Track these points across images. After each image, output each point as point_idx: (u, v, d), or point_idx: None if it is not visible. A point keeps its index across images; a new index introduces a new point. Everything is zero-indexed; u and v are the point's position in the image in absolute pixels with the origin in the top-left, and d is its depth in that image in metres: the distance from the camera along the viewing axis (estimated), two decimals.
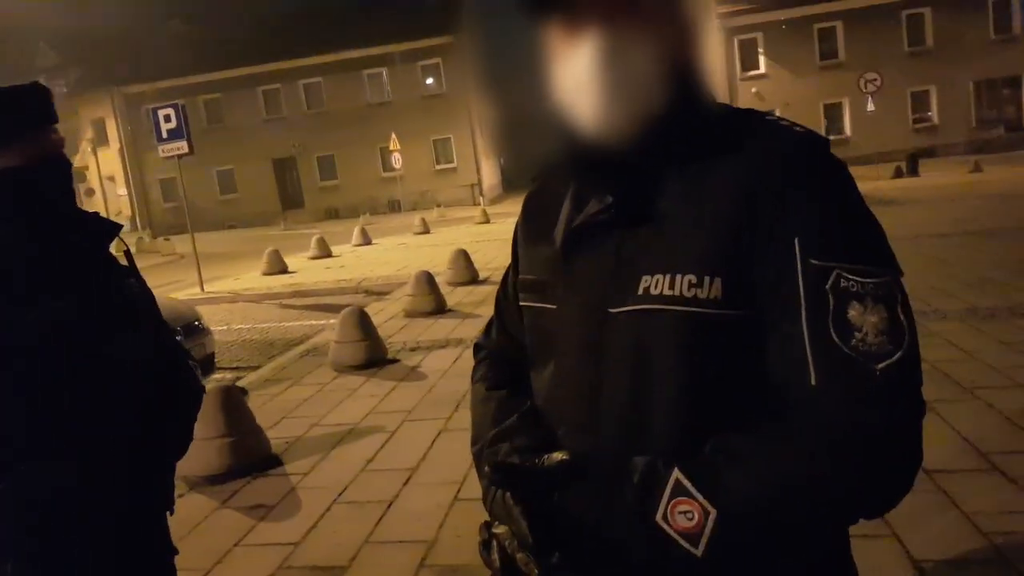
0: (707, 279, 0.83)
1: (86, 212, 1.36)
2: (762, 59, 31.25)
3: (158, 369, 1.35)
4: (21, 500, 1.16)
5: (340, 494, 3.71)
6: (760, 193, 0.84)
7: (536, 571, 0.84)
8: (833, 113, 30.03)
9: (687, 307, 0.84)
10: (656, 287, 0.86)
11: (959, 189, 16.71)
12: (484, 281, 10.08)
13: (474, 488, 3.51)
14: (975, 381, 4.29)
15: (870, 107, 23.85)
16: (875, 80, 23.46)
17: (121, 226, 1.37)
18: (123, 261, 1.39)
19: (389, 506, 3.52)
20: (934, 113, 30.83)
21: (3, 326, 1.14)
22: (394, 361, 6.32)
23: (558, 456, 0.88)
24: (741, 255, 0.83)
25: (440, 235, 18.73)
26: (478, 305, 8.46)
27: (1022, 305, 5.96)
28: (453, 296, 9.10)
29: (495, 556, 0.88)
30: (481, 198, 29.80)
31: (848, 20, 30.37)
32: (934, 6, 29.78)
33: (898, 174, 21.70)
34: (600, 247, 0.92)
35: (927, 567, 2.56)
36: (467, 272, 10.25)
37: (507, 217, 21.46)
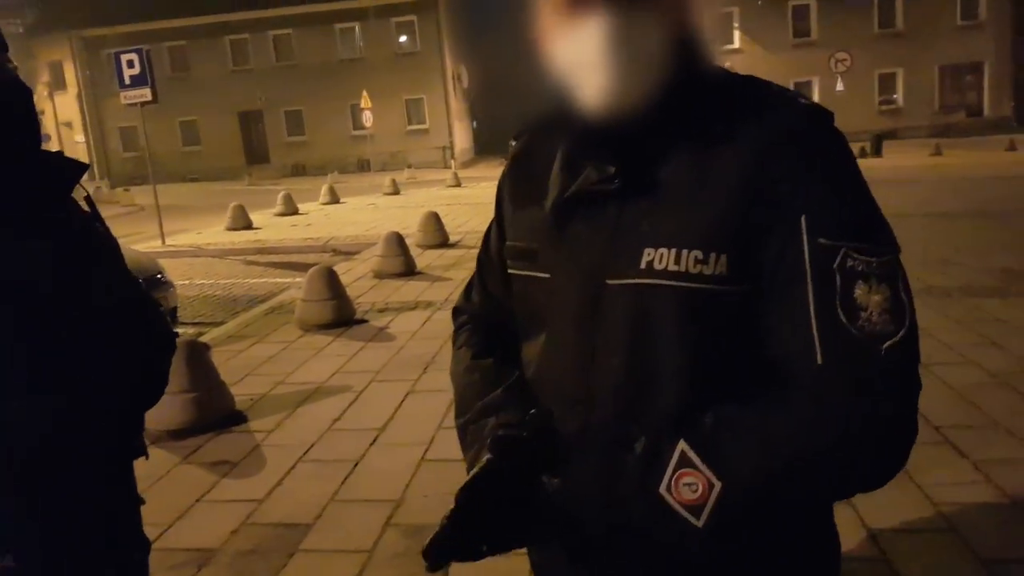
0: (713, 255, 0.82)
1: (49, 151, 1.29)
2: (736, 34, 31.28)
3: (130, 313, 1.30)
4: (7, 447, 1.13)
5: (305, 452, 3.69)
6: (767, 168, 0.82)
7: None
8: (803, 91, 29.91)
9: (692, 283, 0.83)
10: (660, 261, 0.84)
11: (920, 171, 17.06)
12: (455, 244, 10.01)
13: (442, 449, 3.55)
14: (930, 357, 4.40)
15: (839, 87, 24.12)
16: (845, 60, 23.73)
17: (88, 166, 1.30)
18: (84, 206, 1.33)
19: (355, 465, 3.51)
20: (900, 96, 31.33)
21: None
22: (362, 321, 6.27)
23: (532, 412, 0.87)
24: (748, 231, 0.82)
25: (410, 197, 18.51)
26: (448, 268, 8.41)
27: (976, 285, 6.16)
28: (423, 259, 9.03)
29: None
30: (452, 161, 29.49)
31: None
32: None
33: (862, 154, 22.03)
34: (597, 216, 0.90)
35: (881, 535, 2.66)
36: (438, 235, 10.17)
37: (479, 181, 21.31)
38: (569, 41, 0.85)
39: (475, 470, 0.86)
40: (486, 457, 0.86)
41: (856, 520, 2.73)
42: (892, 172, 16.90)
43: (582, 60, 0.84)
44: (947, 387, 3.99)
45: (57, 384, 1.16)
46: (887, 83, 31.23)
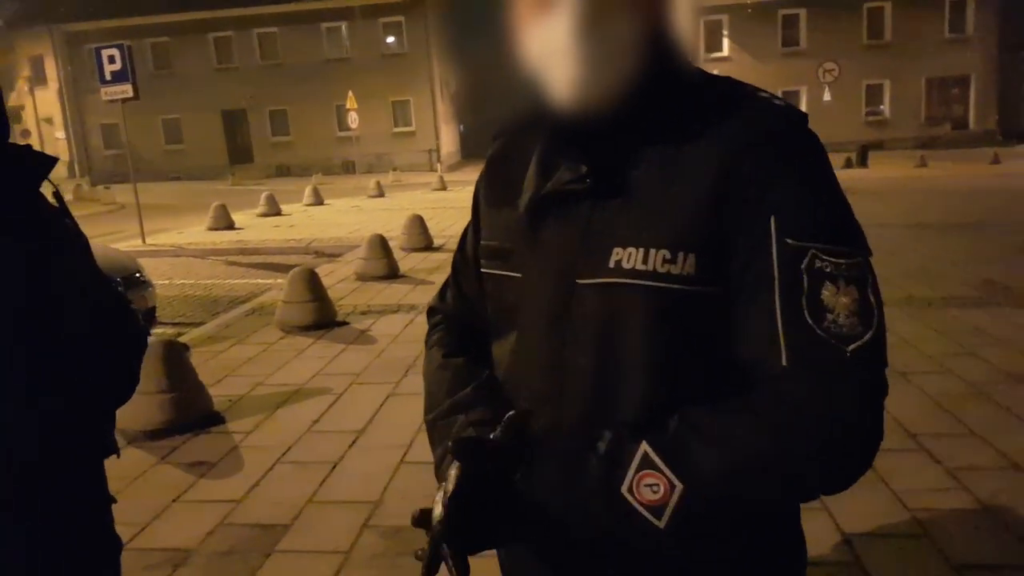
0: (681, 255, 0.82)
1: (17, 145, 1.27)
2: (726, 42, 31.55)
3: (101, 312, 1.29)
4: None
5: (284, 454, 3.66)
6: (737, 169, 0.82)
7: (449, 556, 0.83)
8: (791, 101, 29.78)
9: (659, 283, 0.83)
10: (628, 261, 0.84)
11: (905, 183, 17.27)
12: (439, 248, 10.00)
13: (421, 452, 3.52)
14: (908, 366, 4.47)
15: (827, 97, 24.35)
16: (833, 70, 23.94)
17: (56, 159, 1.28)
18: (52, 201, 1.31)
19: (334, 467, 3.49)
20: (886, 107, 31.70)
21: None
22: (344, 324, 6.23)
23: (510, 414, 0.86)
24: (716, 231, 0.82)
25: (395, 199, 18.46)
26: (432, 272, 8.39)
27: (956, 296, 6.24)
28: (407, 262, 9.00)
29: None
30: (439, 164, 29.47)
31: (812, 8, 30.85)
32: (894, 0, 30.38)
33: (848, 165, 22.28)
34: (569, 216, 0.90)
35: (855, 539, 2.68)
36: (422, 238, 10.15)
37: (465, 185, 21.27)
38: (541, 31, 0.85)
39: (452, 482, 0.83)
40: (455, 465, 0.85)
41: (830, 524, 2.76)
42: (878, 183, 17.12)
43: (553, 50, 0.84)
44: (925, 395, 4.03)
45: (23, 381, 1.14)
46: (874, 94, 31.59)
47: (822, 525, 2.74)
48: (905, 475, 3.11)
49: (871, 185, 16.60)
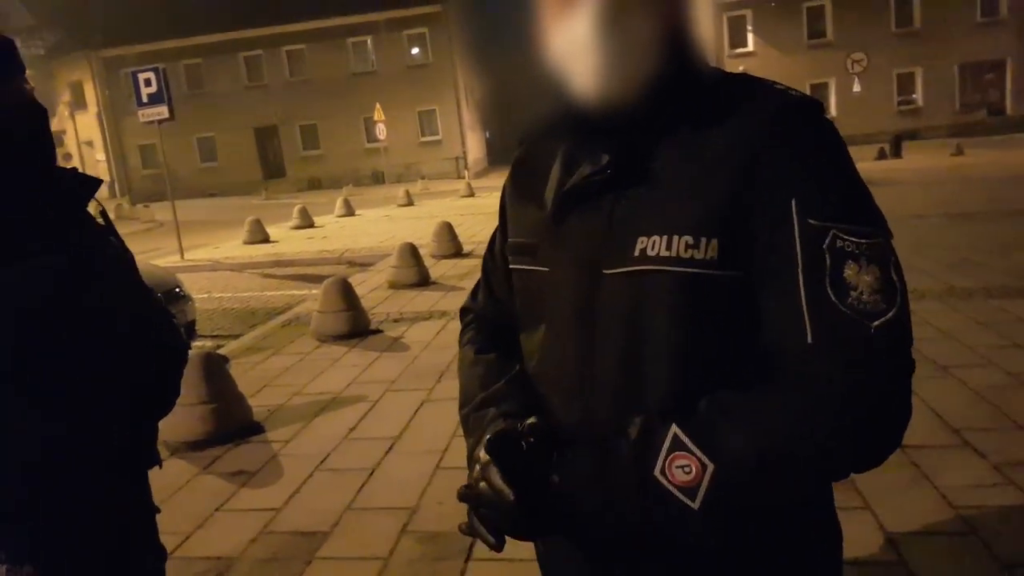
0: (704, 240, 0.84)
1: (64, 168, 1.32)
2: (750, 37, 31.16)
3: (144, 327, 1.33)
4: (10, 456, 1.15)
5: (322, 461, 3.71)
6: (757, 155, 0.84)
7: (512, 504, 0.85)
8: (819, 93, 29.95)
9: (684, 268, 0.84)
10: (652, 248, 0.86)
11: (941, 172, 16.86)
12: (468, 254, 10.05)
13: (456, 457, 3.55)
14: (950, 359, 4.37)
15: (856, 88, 23.93)
16: (862, 61, 23.51)
17: (101, 181, 1.34)
18: (99, 220, 1.36)
19: (371, 474, 3.53)
20: (919, 95, 30.95)
21: None
22: (377, 332, 6.30)
23: (531, 420, 0.88)
24: (738, 216, 0.83)
25: (424, 207, 18.60)
26: (462, 278, 8.44)
27: (998, 286, 6.06)
28: (437, 268, 9.07)
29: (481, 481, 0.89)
30: (466, 171, 29.59)
31: None
32: None
33: (881, 156, 21.83)
34: (593, 209, 0.92)
35: (899, 538, 2.63)
36: (451, 245, 10.21)
37: (492, 191, 21.34)
38: (564, 29, 0.86)
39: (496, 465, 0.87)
40: (489, 461, 0.88)
41: (874, 523, 2.70)
42: (912, 173, 16.75)
43: (575, 47, 0.85)
44: (967, 388, 3.93)
45: (69, 394, 1.19)
46: (906, 83, 30.88)
47: (865, 524, 2.69)
48: (950, 471, 3.03)
49: (906, 175, 16.25)
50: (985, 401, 3.77)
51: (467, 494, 0.90)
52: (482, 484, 0.87)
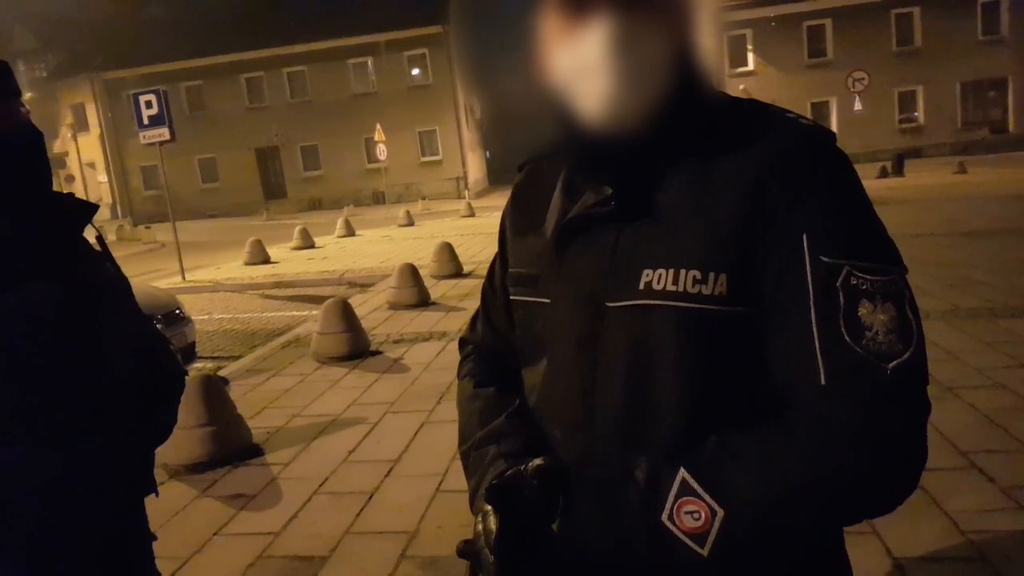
0: (712, 275, 0.81)
1: (60, 193, 1.31)
2: (751, 56, 31.37)
3: (141, 353, 1.31)
4: (3, 484, 1.13)
5: (321, 485, 3.67)
6: (768, 187, 0.81)
7: None
8: (820, 112, 30.11)
9: (691, 303, 0.81)
10: (659, 282, 0.83)
11: (944, 190, 16.87)
12: (468, 274, 10.04)
13: (456, 481, 3.50)
14: (956, 381, 4.33)
15: (857, 106, 24.01)
16: (863, 79, 23.63)
17: (97, 206, 1.32)
18: (96, 245, 1.35)
19: (370, 497, 3.49)
20: (920, 113, 31.07)
21: None
22: (377, 353, 6.27)
23: (537, 462, 0.85)
24: (747, 251, 0.81)
25: (424, 228, 18.63)
26: (462, 298, 8.42)
27: (1003, 306, 6.03)
28: (437, 289, 9.05)
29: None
30: (466, 191, 29.71)
31: (837, 18, 30.49)
32: (923, 6, 29.85)
33: (883, 174, 21.86)
34: (596, 240, 0.89)
35: (906, 564, 2.58)
36: (451, 265, 10.21)
37: (492, 211, 21.41)
38: (569, 53, 0.84)
39: (495, 524, 0.82)
40: (491, 512, 0.84)
41: (880, 549, 2.66)
42: (915, 191, 16.77)
43: (581, 71, 0.83)
44: (974, 411, 3.89)
45: (63, 421, 1.17)
46: (907, 101, 30.99)
47: (872, 550, 2.64)
48: (957, 495, 2.99)
49: (908, 194, 16.27)
50: (993, 423, 3.72)
51: (466, 551, 0.86)
52: (480, 542, 0.83)
